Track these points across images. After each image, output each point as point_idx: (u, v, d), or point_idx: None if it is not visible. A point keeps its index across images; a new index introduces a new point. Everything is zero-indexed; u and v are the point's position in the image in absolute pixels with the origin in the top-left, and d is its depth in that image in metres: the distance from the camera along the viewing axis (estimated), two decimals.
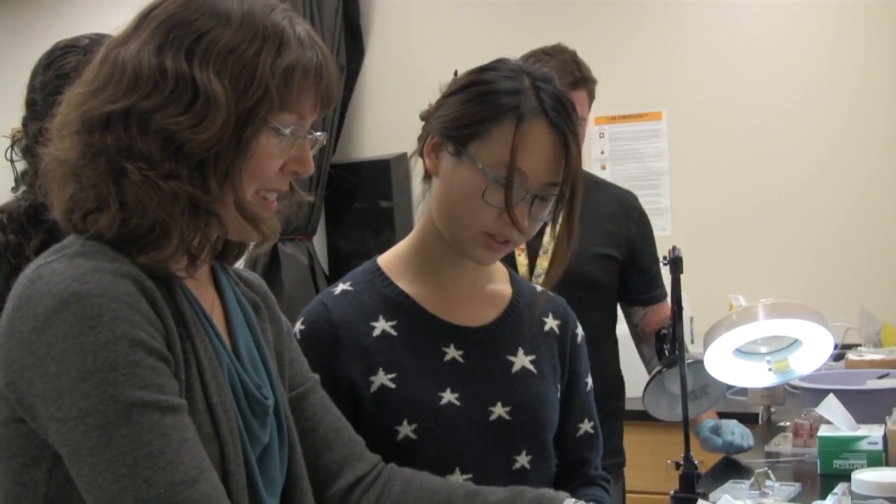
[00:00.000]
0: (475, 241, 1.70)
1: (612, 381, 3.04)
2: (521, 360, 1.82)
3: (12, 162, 2.06)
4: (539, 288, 1.94)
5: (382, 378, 1.71)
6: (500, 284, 1.88)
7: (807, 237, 4.51)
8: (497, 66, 1.74)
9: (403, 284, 1.79)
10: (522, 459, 1.78)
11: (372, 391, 1.71)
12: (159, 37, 1.27)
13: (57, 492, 1.23)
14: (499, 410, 1.76)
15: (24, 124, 2.01)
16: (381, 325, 1.75)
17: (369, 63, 5.43)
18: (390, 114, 5.31)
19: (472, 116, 1.67)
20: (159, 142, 1.24)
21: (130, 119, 1.24)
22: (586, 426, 1.95)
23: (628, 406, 3.73)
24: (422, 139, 1.77)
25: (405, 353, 1.74)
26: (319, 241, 5.44)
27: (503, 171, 1.63)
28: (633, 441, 3.80)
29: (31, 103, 2.01)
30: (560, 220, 1.72)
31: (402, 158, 5.26)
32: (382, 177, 5.21)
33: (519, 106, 1.65)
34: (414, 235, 1.83)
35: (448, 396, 1.73)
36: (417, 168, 1.81)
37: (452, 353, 1.77)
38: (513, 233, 1.68)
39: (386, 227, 5.21)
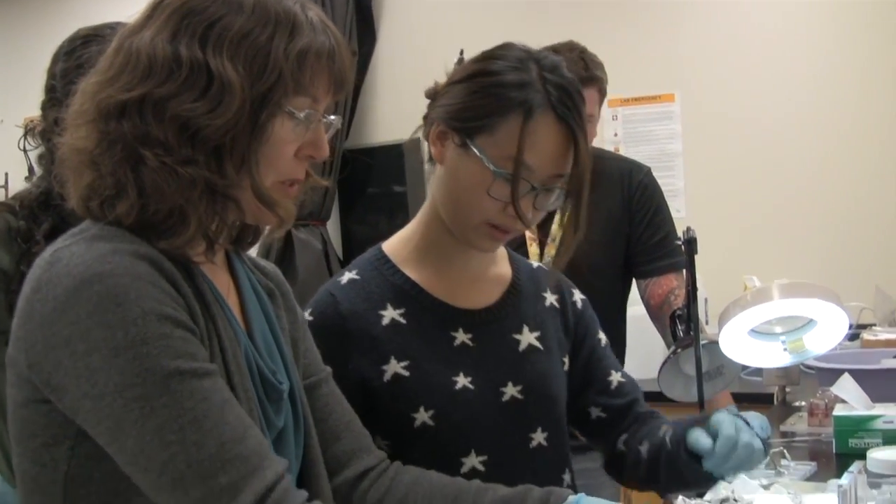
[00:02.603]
0: (479, 231, 1.71)
1: None
2: (528, 338, 1.82)
3: (25, 152, 2.08)
4: (535, 264, 1.95)
5: (395, 366, 1.71)
6: (502, 266, 1.89)
7: (821, 217, 4.50)
8: (504, 53, 1.71)
9: (409, 271, 1.79)
10: (538, 437, 1.79)
11: (385, 380, 1.70)
12: (173, 24, 1.28)
13: (78, 470, 1.24)
14: (511, 390, 1.76)
15: (44, 109, 2.03)
16: (390, 314, 1.74)
17: (381, 48, 5.43)
18: (403, 98, 5.29)
19: (478, 109, 1.66)
20: (175, 128, 1.24)
21: (146, 106, 1.25)
22: (617, 377, 1.95)
23: (644, 387, 3.73)
24: (427, 123, 1.76)
25: (415, 340, 1.74)
26: (333, 227, 5.45)
27: (509, 165, 1.62)
28: None
29: (50, 89, 2.02)
30: (567, 211, 1.72)
31: (416, 143, 5.25)
32: (395, 161, 5.21)
33: (526, 100, 1.63)
34: (418, 221, 1.83)
35: (462, 381, 1.73)
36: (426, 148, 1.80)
37: (461, 337, 1.77)
38: (517, 224, 1.69)
39: (399, 212, 5.22)
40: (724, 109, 4.67)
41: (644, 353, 3.51)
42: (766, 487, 1.99)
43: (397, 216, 5.22)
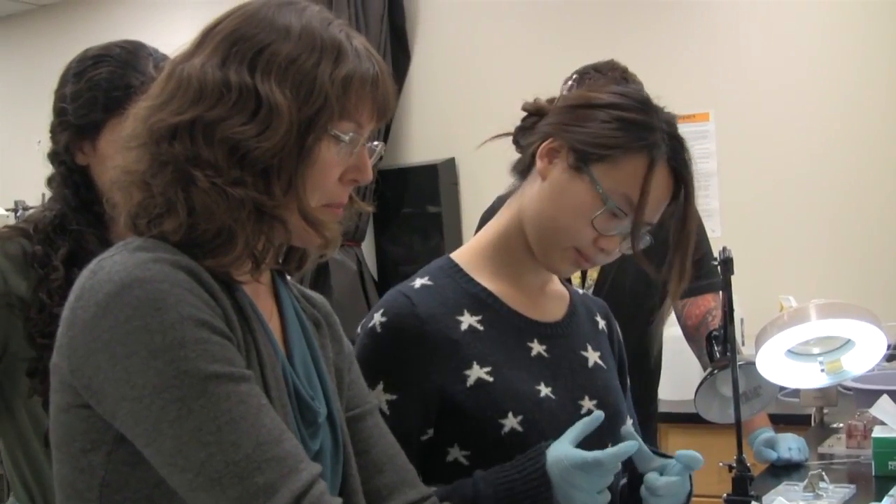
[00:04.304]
0: (565, 254, 1.73)
1: (649, 385, 3.01)
2: (592, 356, 1.84)
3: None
4: (581, 291, 1.99)
5: (479, 372, 1.69)
6: (558, 284, 1.91)
7: (858, 236, 4.47)
8: (629, 91, 1.77)
9: (483, 280, 1.79)
10: None
11: (469, 385, 1.68)
12: (222, 51, 1.31)
13: (113, 476, 1.26)
14: (587, 404, 1.77)
15: (53, 132, 1.99)
16: (468, 320, 1.73)
17: (415, 68, 5.46)
18: (437, 118, 5.32)
19: (607, 139, 1.69)
20: (225, 150, 1.27)
21: (196, 129, 1.28)
22: (628, 422, 1.94)
23: (680, 409, 3.71)
24: (535, 135, 1.77)
25: (494, 347, 1.73)
26: (368, 247, 5.47)
27: (620, 200, 1.68)
28: (685, 444, 3.76)
29: (60, 112, 1.98)
30: (675, 261, 1.77)
31: (450, 163, 5.28)
32: (430, 182, 5.22)
33: (654, 145, 1.70)
34: (496, 231, 1.83)
35: (544, 390, 1.73)
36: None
37: (537, 347, 1.78)
38: (600, 257, 1.73)
39: (434, 233, 5.22)
40: (758, 129, 4.64)
41: (680, 374, 3.50)
42: None
43: (432, 236, 5.22)
